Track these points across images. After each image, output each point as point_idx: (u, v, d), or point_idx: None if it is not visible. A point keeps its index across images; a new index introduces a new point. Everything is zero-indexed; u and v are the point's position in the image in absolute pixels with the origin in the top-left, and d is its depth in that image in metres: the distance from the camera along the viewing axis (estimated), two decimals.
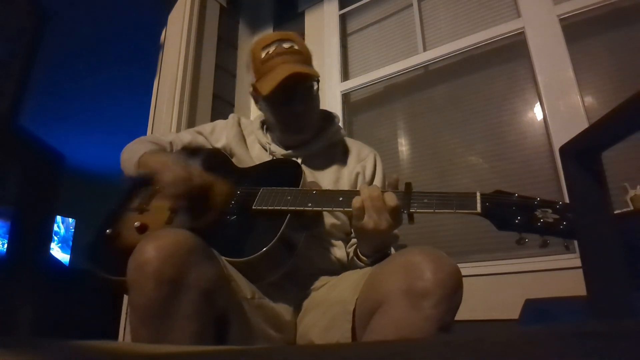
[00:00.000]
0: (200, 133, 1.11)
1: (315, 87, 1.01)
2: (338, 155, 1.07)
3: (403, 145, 1.85)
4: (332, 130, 1.08)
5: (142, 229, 0.86)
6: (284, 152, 1.04)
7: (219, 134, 1.10)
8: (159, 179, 0.85)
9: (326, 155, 1.06)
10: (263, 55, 0.98)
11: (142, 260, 0.62)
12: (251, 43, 1.07)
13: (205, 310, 0.65)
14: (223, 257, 0.76)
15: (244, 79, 2.07)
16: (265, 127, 1.12)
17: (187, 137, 1.10)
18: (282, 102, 0.98)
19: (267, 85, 0.94)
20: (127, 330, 1.52)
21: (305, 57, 1.01)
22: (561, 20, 1.52)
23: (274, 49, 0.97)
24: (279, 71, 0.94)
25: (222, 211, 0.88)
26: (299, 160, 1.02)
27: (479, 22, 1.76)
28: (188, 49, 1.84)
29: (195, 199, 0.85)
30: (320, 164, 1.04)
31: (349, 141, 1.12)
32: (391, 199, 0.75)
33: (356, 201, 0.77)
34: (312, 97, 1.01)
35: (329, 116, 1.12)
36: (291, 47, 0.98)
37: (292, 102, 0.98)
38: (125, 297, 1.52)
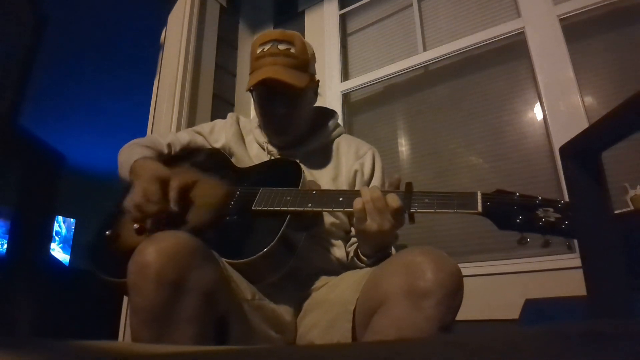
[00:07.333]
0: (199, 133, 1.11)
1: (305, 93, 0.99)
2: (336, 152, 1.07)
3: (403, 145, 1.85)
4: (330, 128, 1.08)
5: (141, 231, 0.86)
6: (281, 150, 1.04)
7: (218, 133, 1.10)
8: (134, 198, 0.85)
9: (325, 152, 1.06)
10: (258, 51, 0.98)
11: (143, 262, 0.62)
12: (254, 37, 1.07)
13: (206, 312, 0.65)
14: (223, 259, 0.76)
15: (244, 78, 2.07)
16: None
17: (185, 137, 1.09)
18: (263, 101, 1.00)
19: (249, 83, 0.96)
20: (127, 330, 1.52)
21: (298, 61, 0.97)
22: (561, 20, 1.52)
23: (268, 47, 0.97)
24: (262, 71, 0.95)
25: (222, 212, 0.88)
26: (297, 159, 1.02)
27: (479, 22, 1.76)
28: (188, 49, 1.84)
29: (182, 203, 0.86)
30: (318, 162, 1.04)
31: (348, 138, 1.12)
32: (393, 200, 0.75)
33: (357, 203, 0.76)
34: (295, 104, 0.99)
35: (327, 113, 1.11)
36: (287, 49, 0.96)
37: (272, 104, 0.98)
38: (125, 297, 1.52)
